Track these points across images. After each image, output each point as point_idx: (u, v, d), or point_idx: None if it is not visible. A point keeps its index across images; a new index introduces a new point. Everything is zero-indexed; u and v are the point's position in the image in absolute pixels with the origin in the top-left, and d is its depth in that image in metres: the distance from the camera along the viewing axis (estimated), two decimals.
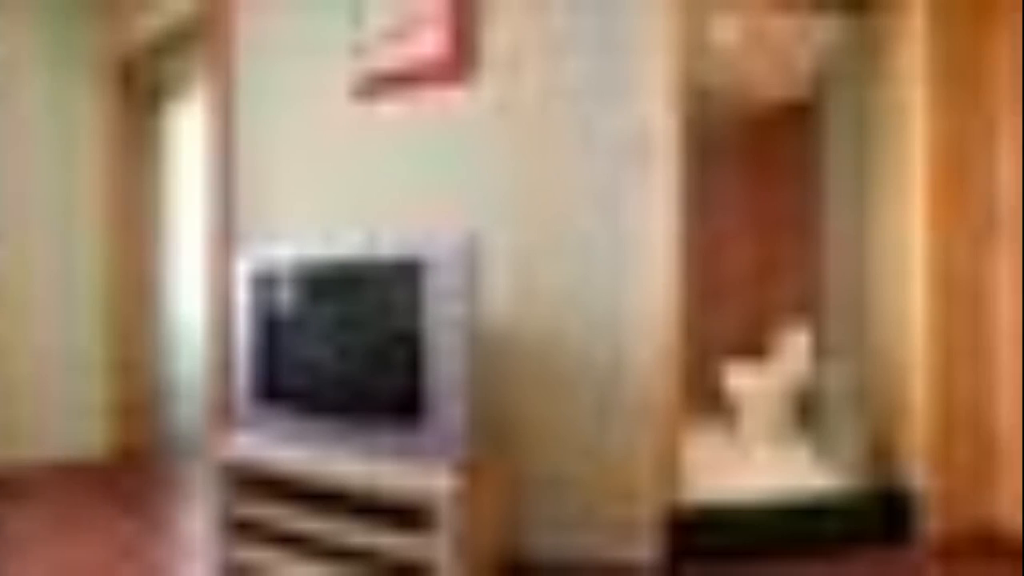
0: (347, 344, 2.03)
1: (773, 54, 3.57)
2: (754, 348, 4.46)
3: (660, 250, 2.22)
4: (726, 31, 3.26)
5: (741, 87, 4.05)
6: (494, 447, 2.37)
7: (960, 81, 2.37)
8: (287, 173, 2.80)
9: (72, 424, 3.61)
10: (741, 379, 3.72)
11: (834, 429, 2.91)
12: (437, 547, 1.80)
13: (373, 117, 2.61)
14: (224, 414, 2.91)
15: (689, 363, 4.58)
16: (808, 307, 4.31)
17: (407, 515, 2.02)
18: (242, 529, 2.19)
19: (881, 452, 2.64)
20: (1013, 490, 2.28)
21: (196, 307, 4.29)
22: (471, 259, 1.87)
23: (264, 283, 2.22)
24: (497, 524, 2.13)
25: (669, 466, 2.24)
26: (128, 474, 3.38)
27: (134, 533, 2.52)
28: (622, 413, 2.26)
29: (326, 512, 2.05)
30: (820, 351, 3.57)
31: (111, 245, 3.72)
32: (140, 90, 3.82)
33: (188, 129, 4.25)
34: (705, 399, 4.56)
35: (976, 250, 2.38)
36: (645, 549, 2.24)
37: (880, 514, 2.36)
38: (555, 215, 2.33)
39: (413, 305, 1.91)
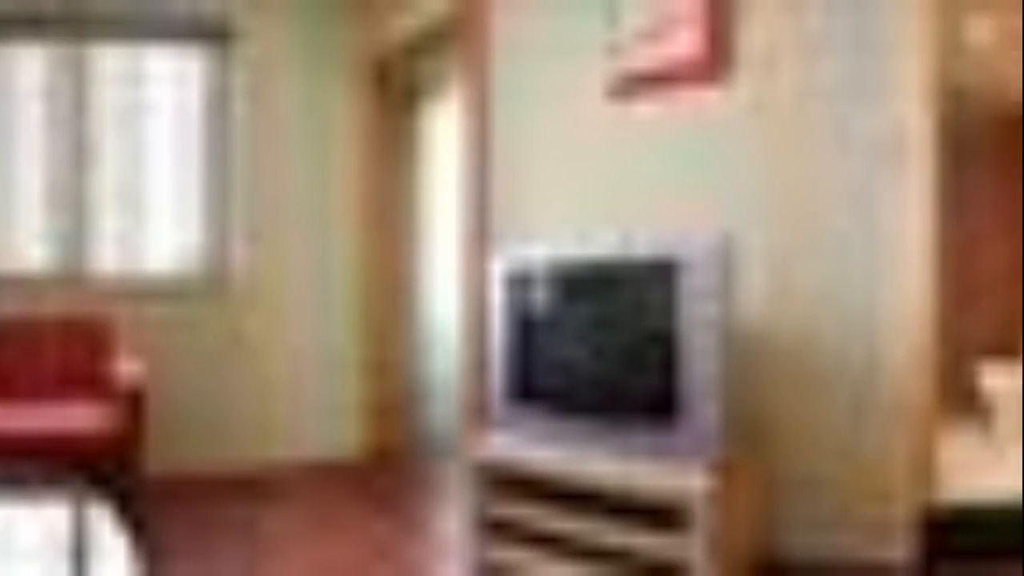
0: (601, 344, 2.55)
1: None
2: (1009, 348, 5.22)
3: (915, 250, 2.56)
4: (981, 31, 3.67)
5: (996, 87, 4.66)
6: (748, 447, 2.88)
7: None
8: (542, 173, 3.57)
9: (327, 424, 4.71)
10: (996, 379, 4.35)
11: None
12: (691, 547, 2.30)
13: (628, 117, 3.26)
14: (478, 414, 3.77)
15: (944, 363, 5.40)
16: None
17: (661, 515, 2.59)
18: (496, 529, 2.86)
19: None
20: None
21: (451, 307, 5.31)
22: (725, 259, 2.31)
23: (519, 283, 2.86)
24: (751, 524, 2.62)
25: (924, 466, 2.57)
26: (382, 474, 4.42)
27: (388, 533, 3.33)
28: (877, 413, 2.63)
29: (580, 512, 2.69)
30: None
31: (366, 245, 4.82)
32: (395, 90, 4.94)
33: (443, 129, 5.30)
34: (960, 399, 5.36)
35: None
36: (900, 549, 2.59)
37: None
38: (810, 215, 2.77)
39: (667, 305, 2.38)
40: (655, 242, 2.43)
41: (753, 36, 2.86)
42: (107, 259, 4.24)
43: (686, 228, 2.97)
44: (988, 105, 5.11)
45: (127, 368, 3.40)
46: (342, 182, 4.75)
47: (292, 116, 4.64)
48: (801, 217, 2.75)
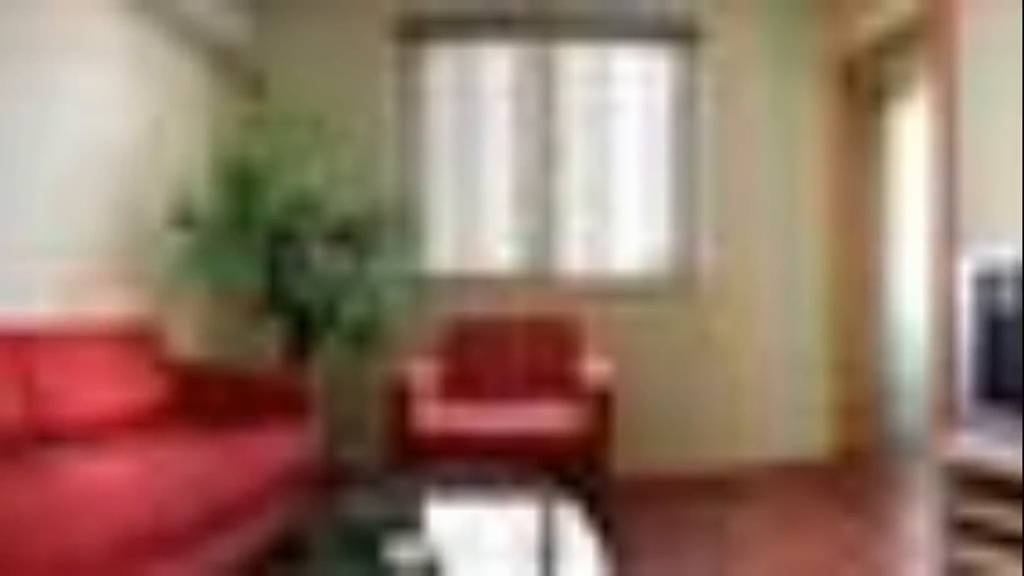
0: None
1: None
2: None
3: None
4: None
5: None
6: None
7: None
8: (1011, 173, 3.87)
9: (794, 424, 5.56)
10: None
11: None
12: None
13: None
14: (946, 414, 4.18)
15: None
16: None
17: None
18: (965, 529, 3.24)
19: None
20: None
21: (918, 307, 5.97)
22: None
23: (987, 283, 3.33)
24: None
25: None
26: (850, 474, 5.11)
27: (856, 533, 3.92)
28: None
29: None
30: None
31: (832, 245, 5.49)
32: (862, 90, 5.50)
33: (910, 129, 5.94)
34: None
35: None
36: None
37: None
38: None
39: None
40: None
41: None
42: (574, 259, 5.36)
43: None
44: None
45: (595, 368, 4.30)
46: (809, 182, 5.56)
47: (759, 116, 5.50)
48: None
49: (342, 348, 5.16)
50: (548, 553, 2.47)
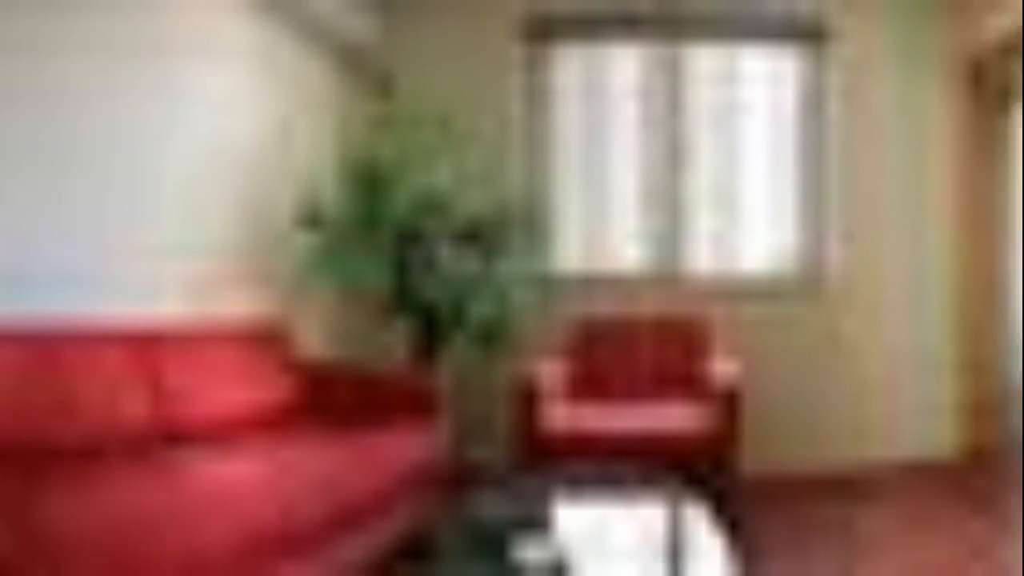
0: None
1: None
2: None
3: None
4: None
5: None
6: None
7: None
8: None
9: (922, 423, 5.65)
10: None
11: None
12: None
13: None
14: None
15: None
16: None
17: None
18: None
19: None
20: None
21: None
22: None
23: None
24: None
25: None
26: (977, 473, 5.20)
27: (983, 533, 4.00)
28: None
29: None
30: None
31: (960, 245, 5.59)
32: (989, 90, 5.57)
33: None
34: None
35: None
36: None
37: None
38: None
39: None
40: None
41: None
42: (701, 259, 5.49)
43: None
44: None
45: (722, 368, 4.41)
46: (936, 182, 5.65)
47: (886, 116, 5.60)
48: None
49: (470, 348, 5.30)
50: (676, 553, 2.51)
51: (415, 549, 3.97)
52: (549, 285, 5.55)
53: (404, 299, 4.93)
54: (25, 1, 3.46)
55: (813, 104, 5.57)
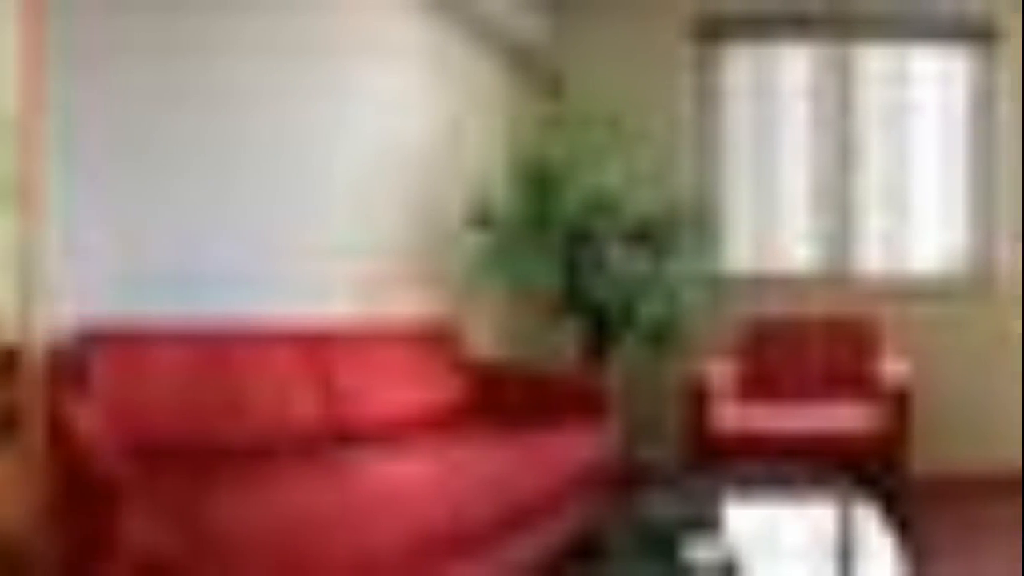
0: None
1: None
2: None
3: None
4: None
5: None
6: None
7: None
8: None
9: None
10: None
11: None
12: None
13: None
14: None
15: None
16: None
17: None
18: None
19: None
20: None
21: None
22: None
23: None
24: None
25: None
26: None
27: None
28: None
29: None
30: None
31: None
32: None
33: None
34: None
35: None
36: None
37: None
38: None
39: None
40: None
41: None
42: (871, 259, 5.65)
43: None
44: None
45: (892, 368, 4.54)
46: None
47: None
48: None
49: (639, 348, 5.44)
50: (846, 553, 2.56)
51: (584, 549, 4.06)
52: (719, 285, 5.74)
53: (574, 299, 5.08)
54: (194, 1, 3.56)
55: (983, 104, 5.71)
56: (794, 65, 5.71)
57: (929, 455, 5.67)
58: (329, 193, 4.26)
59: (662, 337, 5.10)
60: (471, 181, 5.48)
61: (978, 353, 5.65)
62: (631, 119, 5.88)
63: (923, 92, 5.67)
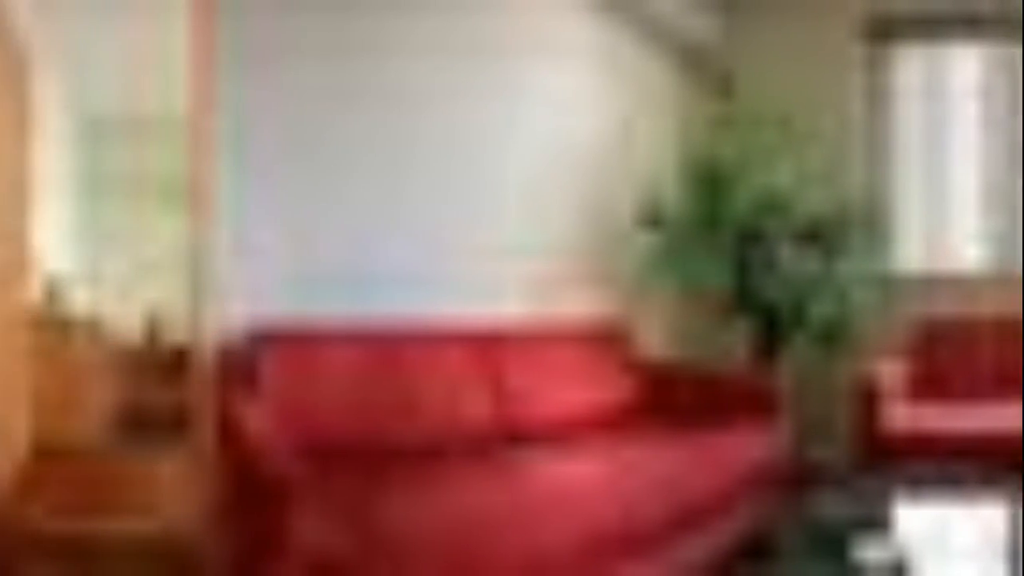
0: None
1: None
2: None
3: None
4: None
5: None
6: None
7: None
8: None
9: None
10: None
11: None
12: None
13: None
14: None
15: None
16: None
17: None
18: None
19: None
20: None
21: None
22: None
23: None
24: None
25: None
26: None
27: None
28: None
29: None
30: None
31: None
32: None
33: None
34: None
35: None
36: None
37: None
38: None
39: None
40: None
41: None
42: None
43: None
44: None
45: None
46: None
47: None
48: None
49: (810, 348, 5.50)
50: (1017, 554, 2.57)
51: (755, 549, 4.06)
52: (889, 285, 5.86)
53: (744, 299, 5.21)
54: (367, 2, 3.66)
55: None
56: (965, 65, 5.83)
57: None
58: (500, 193, 4.37)
59: (832, 337, 5.20)
60: (642, 181, 5.64)
61: None
62: (801, 119, 6.05)
63: None
